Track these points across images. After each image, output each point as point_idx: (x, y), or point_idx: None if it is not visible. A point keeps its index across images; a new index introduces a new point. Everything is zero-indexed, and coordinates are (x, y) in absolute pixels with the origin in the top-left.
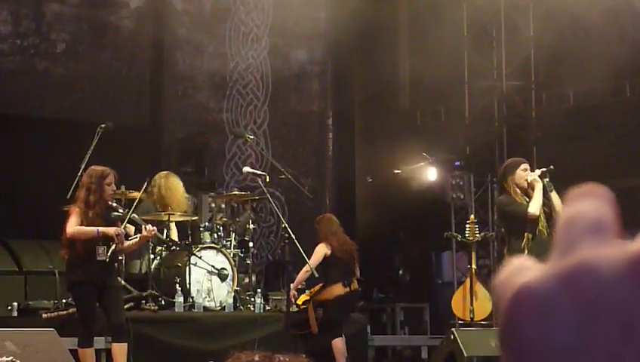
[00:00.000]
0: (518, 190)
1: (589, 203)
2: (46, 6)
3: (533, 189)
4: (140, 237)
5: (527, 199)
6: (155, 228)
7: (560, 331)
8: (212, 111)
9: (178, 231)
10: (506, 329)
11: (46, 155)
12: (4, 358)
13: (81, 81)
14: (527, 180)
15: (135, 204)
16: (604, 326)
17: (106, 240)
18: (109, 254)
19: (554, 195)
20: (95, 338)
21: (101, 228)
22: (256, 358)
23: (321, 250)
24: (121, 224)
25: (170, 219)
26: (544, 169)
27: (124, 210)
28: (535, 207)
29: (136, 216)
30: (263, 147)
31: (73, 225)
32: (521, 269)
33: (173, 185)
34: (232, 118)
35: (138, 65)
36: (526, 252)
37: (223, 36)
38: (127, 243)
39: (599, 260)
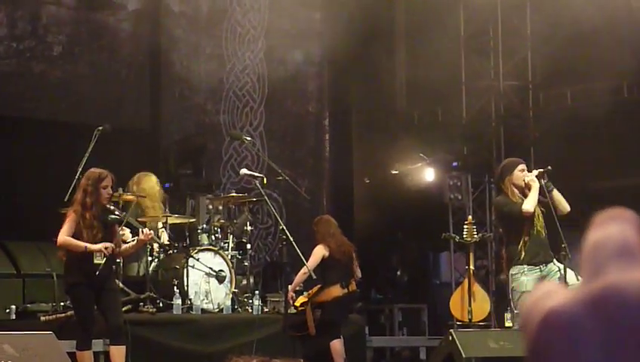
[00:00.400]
0: (515, 190)
1: (616, 227)
2: (42, 8)
3: (530, 189)
4: (137, 241)
5: (525, 199)
6: (151, 231)
7: (588, 354)
8: (209, 113)
9: (174, 233)
10: (534, 352)
11: (43, 158)
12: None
13: (78, 84)
14: (524, 181)
15: (132, 206)
16: (632, 348)
17: (105, 241)
18: (100, 268)
19: (556, 193)
20: (93, 340)
21: (89, 246)
22: None
23: (319, 252)
24: (118, 227)
25: (168, 221)
26: (542, 169)
27: (120, 213)
28: (529, 204)
29: (132, 220)
30: (259, 149)
31: (64, 234)
32: (549, 293)
33: (146, 186)
34: (228, 119)
35: (136, 67)
36: (523, 253)
37: (219, 37)
38: (124, 246)
39: (627, 284)
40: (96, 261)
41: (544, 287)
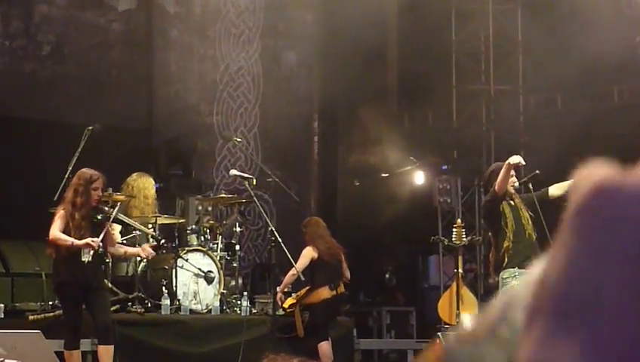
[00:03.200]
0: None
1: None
2: (35, 7)
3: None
4: (133, 252)
5: (512, 203)
6: (153, 253)
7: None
8: (203, 113)
9: (162, 234)
10: (580, 215)
11: (33, 157)
12: None
13: (68, 83)
14: (512, 185)
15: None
16: None
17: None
18: (89, 258)
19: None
20: (81, 340)
21: (75, 241)
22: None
23: (308, 254)
24: (108, 224)
25: (157, 221)
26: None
27: (109, 210)
28: (500, 181)
29: (123, 216)
30: (253, 150)
31: (55, 230)
32: (601, 169)
33: (142, 185)
34: (222, 120)
35: (128, 67)
36: (511, 256)
37: (213, 38)
38: (120, 249)
39: None
40: (83, 258)
41: (596, 166)
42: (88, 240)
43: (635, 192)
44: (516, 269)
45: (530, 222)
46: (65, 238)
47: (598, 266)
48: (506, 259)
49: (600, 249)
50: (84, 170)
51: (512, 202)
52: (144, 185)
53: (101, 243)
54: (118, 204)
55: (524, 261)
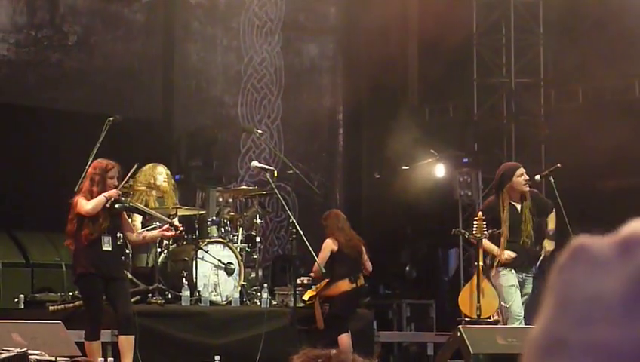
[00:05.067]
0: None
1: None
2: None
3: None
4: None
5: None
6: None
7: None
8: (226, 105)
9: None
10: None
11: (56, 147)
12: (19, 349)
13: (93, 74)
14: (525, 182)
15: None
16: None
17: (112, 229)
18: (109, 247)
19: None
20: (101, 331)
21: (103, 194)
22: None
23: (328, 246)
24: (125, 212)
25: (177, 213)
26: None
27: (126, 199)
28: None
29: (140, 205)
30: (276, 141)
31: (85, 205)
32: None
33: (147, 176)
34: (246, 112)
35: (151, 58)
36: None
37: (237, 30)
38: (148, 233)
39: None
40: (104, 248)
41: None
42: (113, 191)
43: (593, 257)
44: (512, 270)
45: (529, 227)
46: (97, 199)
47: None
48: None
49: (563, 309)
50: (99, 159)
51: (518, 206)
52: (150, 173)
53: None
54: (131, 193)
55: (515, 263)
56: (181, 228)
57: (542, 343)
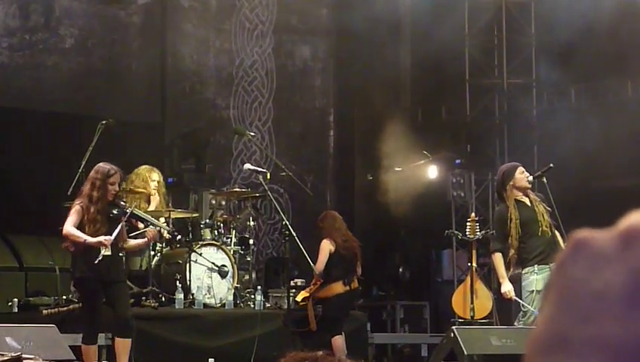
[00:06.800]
0: (519, 193)
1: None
2: (56, 1)
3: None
4: (144, 240)
5: (527, 200)
6: (156, 229)
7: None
8: (219, 107)
9: (177, 228)
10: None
11: (50, 150)
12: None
13: (90, 77)
14: (527, 180)
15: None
16: None
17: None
18: (99, 258)
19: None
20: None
21: (88, 239)
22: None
23: (326, 246)
24: (124, 218)
25: (171, 216)
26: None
27: (125, 205)
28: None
29: (139, 211)
30: (267, 144)
31: (69, 225)
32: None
33: (133, 179)
34: (237, 114)
35: (146, 61)
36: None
37: (228, 32)
38: (131, 242)
39: None
40: (104, 252)
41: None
42: (101, 238)
43: (592, 252)
44: (535, 267)
45: (545, 216)
46: (78, 235)
47: (563, 321)
48: (522, 258)
49: (565, 305)
50: (102, 164)
51: (526, 199)
52: (138, 176)
53: (113, 238)
54: (133, 201)
55: (539, 257)
56: (176, 235)
57: (544, 340)
